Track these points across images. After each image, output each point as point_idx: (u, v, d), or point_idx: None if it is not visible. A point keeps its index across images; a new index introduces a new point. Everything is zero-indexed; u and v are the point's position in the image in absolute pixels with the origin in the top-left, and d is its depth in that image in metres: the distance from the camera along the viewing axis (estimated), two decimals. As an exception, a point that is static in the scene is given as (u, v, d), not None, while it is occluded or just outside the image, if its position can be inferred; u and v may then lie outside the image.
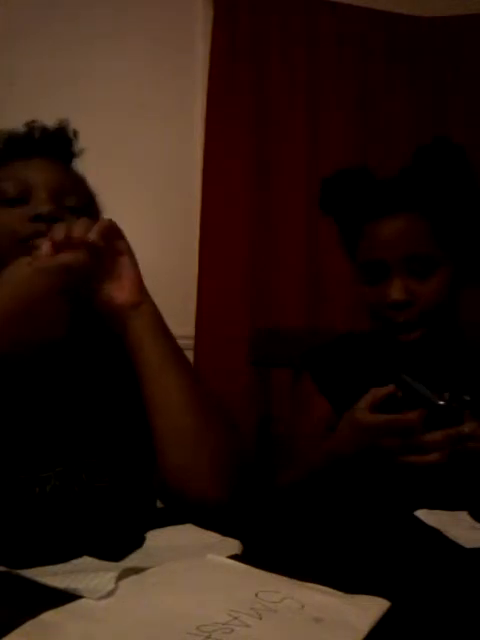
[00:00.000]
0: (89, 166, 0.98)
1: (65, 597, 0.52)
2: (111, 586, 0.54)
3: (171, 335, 0.87)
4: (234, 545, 0.67)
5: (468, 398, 0.94)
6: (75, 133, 0.98)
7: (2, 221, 0.87)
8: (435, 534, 0.74)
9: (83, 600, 0.52)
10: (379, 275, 1.10)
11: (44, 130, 0.96)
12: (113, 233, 0.83)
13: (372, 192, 1.14)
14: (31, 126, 0.95)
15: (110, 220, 0.83)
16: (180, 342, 0.89)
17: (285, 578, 0.57)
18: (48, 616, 0.49)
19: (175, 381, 0.85)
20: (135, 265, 0.85)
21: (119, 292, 0.84)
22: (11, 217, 0.87)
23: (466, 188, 1.11)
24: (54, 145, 0.95)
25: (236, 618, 0.49)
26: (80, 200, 0.91)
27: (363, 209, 1.14)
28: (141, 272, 0.86)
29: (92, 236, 0.79)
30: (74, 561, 0.62)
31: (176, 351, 0.87)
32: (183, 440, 0.84)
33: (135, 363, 0.85)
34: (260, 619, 0.49)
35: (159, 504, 0.93)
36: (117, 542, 0.68)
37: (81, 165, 0.99)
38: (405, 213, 1.10)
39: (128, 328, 0.85)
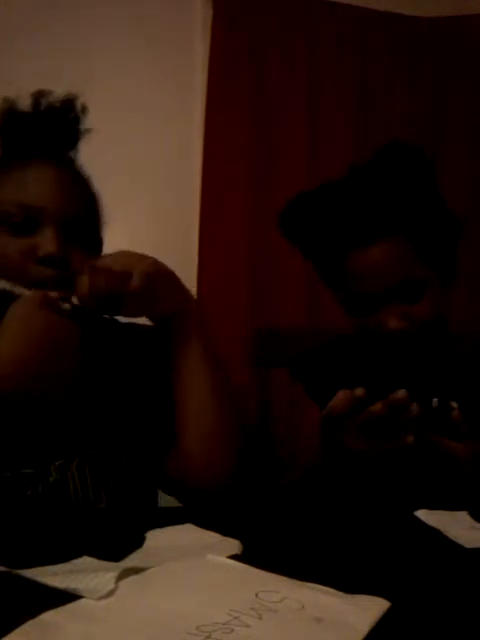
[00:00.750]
0: (88, 166, 0.98)
1: (65, 597, 0.52)
2: (111, 586, 0.54)
3: (206, 336, 0.91)
4: (234, 545, 0.67)
5: (455, 405, 0.94)
6: (83, 109, 0.96)
7: (7, 252, 0.84)
8: (435, 534, 0.74)
9: (83, 600, 0.52)
10: (369, 306, 1.05)
11: (49, 112, 0.93)
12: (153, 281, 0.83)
13: (349, 220, 1.05)
14: (37, 100, 0.94)
15: (145, 278, 0.82)
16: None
17: (285, 578, 0.57)
18: (48, 616, 0.49)
19: (203, 383, 0.90)
20: (175, 280, 0.88)
21: (161, 307, 0.87)
22: (18, 250, 0.84)
23: (434, 196, 1.07)
24: (58, 138, 0.93)
25: (236, 618, 0.49)
26: (84, 222, 0.89)
27: (341, 239, 1.05)
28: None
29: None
30: (74, 561, 0.62)
31: (208, 352, 0.91)
32: (203, 440, 0.89)
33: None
34: (260, 619, 0.49)
35: (164, 503, 0.94)
36: (117, 542, 0.68)
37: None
38: (388, 239, 1.03)
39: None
